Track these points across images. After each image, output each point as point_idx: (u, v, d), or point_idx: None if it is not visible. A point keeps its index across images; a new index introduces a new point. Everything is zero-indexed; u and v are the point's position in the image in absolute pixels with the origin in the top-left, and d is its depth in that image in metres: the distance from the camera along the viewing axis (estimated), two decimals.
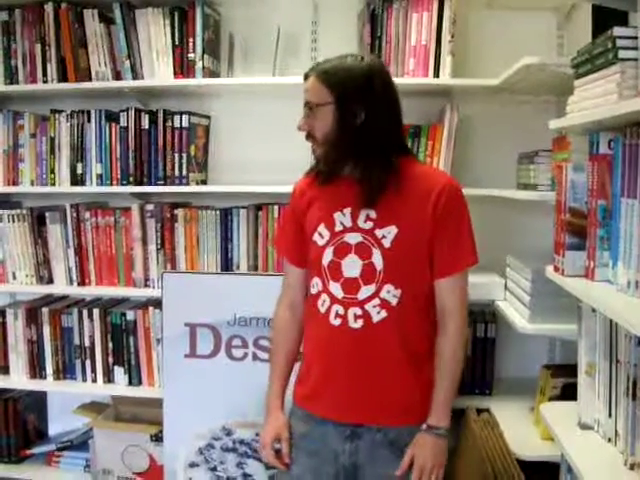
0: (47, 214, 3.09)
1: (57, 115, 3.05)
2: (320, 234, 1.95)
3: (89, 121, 3.02)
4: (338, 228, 1.93)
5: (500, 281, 2.84)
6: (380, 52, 2.85)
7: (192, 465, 2.80)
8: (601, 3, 2.05)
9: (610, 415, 1.84)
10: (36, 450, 3.27)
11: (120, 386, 3.08)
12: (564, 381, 2.45)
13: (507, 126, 3.01)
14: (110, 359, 3.07)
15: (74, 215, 3.05)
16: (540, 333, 2.52)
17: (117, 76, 3.00)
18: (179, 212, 3.00)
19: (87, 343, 3.08)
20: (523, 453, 2.38)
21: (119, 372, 3.07)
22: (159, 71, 2.97)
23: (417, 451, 1.90)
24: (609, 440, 1.84)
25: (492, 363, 2.94)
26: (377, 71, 1.93)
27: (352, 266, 1.90)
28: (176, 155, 2.96)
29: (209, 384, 2.73)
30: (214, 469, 2.79)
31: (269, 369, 2.10)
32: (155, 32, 2.95)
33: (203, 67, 2.94)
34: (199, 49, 2.93)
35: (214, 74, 3.05)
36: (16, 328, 3.13)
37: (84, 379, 3.11)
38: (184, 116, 2.95)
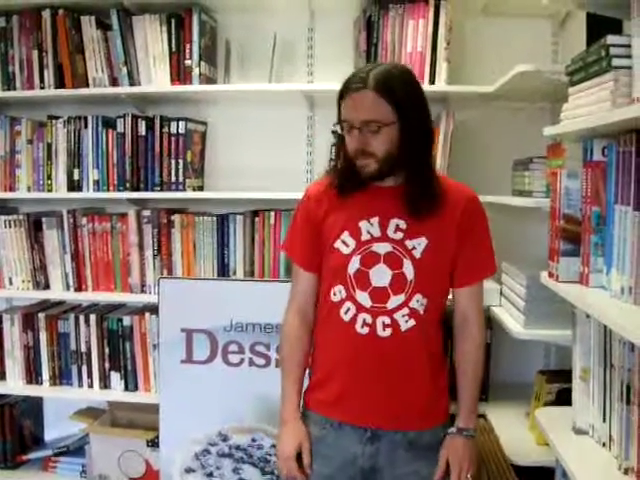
0: (44, 220, 3.09)
1: (54, 121, 3.06)
2: (344, 242, 1.92)
3: (86, 127, 3.03)
4: (365, 237, 1.91)
5: (495, 287, 2.85)
6: (376, 59, 2.86)
7: (188, 470, 2.80)
8: (595, 11, 2.06)
9: (604, 420, 1.84)
10: (32, 456, 3.26)
11: (116, 392, 3.08)
12: (559, 386, 2.45)
13: (502, 133, 3.03)
14: (106, 365, 3.07)
15: (71, 221, 3.06)
16: (535, 339, 2.53)
17: (114, 82, 3.01)
18: (176, 218, 3.00)
19: (83, 349, 3.08)
20: (518, 458, 2.38)
21: (115, 378, 3.07)
22: (156, 77, 2.98)
23: (451, 455, 1.93)
24: (603, 445, 1.85)
25: (488, 368, 2.93)
26: (418, 81, 1.94)
27: (381, 275, 1.90)
28: (173, 161, 2.97)
29: (205, 390, 2.73)
30: (210, 475, 2.79)
31: (282, 377, 2.03)
32: (152, 39, 2.96)
33: (200, 74, 2.95)
34: (196, 56, 2.94)
35: (211, 80, 3.07)
36: (12, 333, 3.13)
37: (80, 385, 3.11)
38: (181, 122, 2.96)
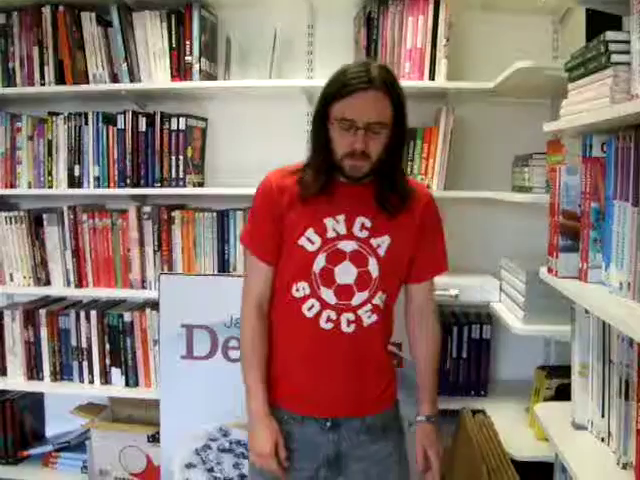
0: (44, 216, 3.09)
1: (54, 117, 3.06)
2: (309, 239, 1.92)
3: (86, 123, 3.03)
4: (330, 235, 1.91)
5: (495, 283, 2.86)
6: (376, 55, 2.86)
7: (189, 466, 2.80)
8: (595, 7, 2.06)
9: (603, 415, 1.85)
10: (33, 451, 3.28)
11: (117, 387, 3.08)
12: (558, 382, 2.47)
13: (502, 129, 3.03)
14: (107, 360, 3.08)
15: (71, 217, 3.06)
16: (534, 334, 2.54)
17: (114, 79, 3.01)
18: (176, 214, 3.01)
19: (84, 344, 3.09)
20: (518, 453, 2.40)
21: (116, 373, 3.07)
22: (156, 74, 2.98)
23: (425, 442, 2.05)
24: (602, 440, 1.86)
25: (487, 364, 2.95)
26: None
27: (346, 273, 1.92)
28: (173, 157, 2.97)
29: (206, 385, 2.74)
30: (211, 470, 2.80)
31: (245, 373, 2.01)
32: (152, 35, 2.96)
33: (200, 70, 2.95)
34: (196, 52, 2.94)
35: (211, 77, 3.07)
36: (13, 329, 3.14)
37: (81, 380, 3.12)
38: (181, 118, 2.97)
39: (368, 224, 1.92)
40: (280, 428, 1.96)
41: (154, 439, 2.96)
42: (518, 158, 2.78)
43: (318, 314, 1.93)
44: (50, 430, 3.46)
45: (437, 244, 2.06)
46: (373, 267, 1.92)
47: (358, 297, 1.92)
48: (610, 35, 1.63)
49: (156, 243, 3.01)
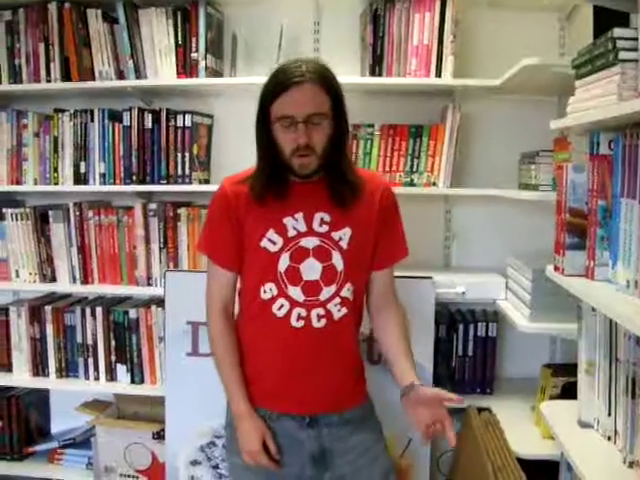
0: (50, 213, 3.09)
1: (60, 114, 3.06)
2: (271, 240, 1.94)
3: (92, 120, 3.03)
4: (291, 233, 1.94)
5: (501, 280, 2.85)
6: (382, 52, 2.86)
7: (194, 463, 2.81)
8: (602, 4, 2.05)
9: (610, 414, 1.85)
10: (39, 448, 3.27)
11: (122, 384, 3.08)
12: (564, 380, 2.46)
13: (509, 126, 3.02)
14: (113, 357, 3.08)
15: (77, 214, 3.06)
16: (541, 332, 2.54)
17: (120, 75, 3.01)
18: (182, 211, 3.00)
19: (90, 341, 3.09)
20: (523, 452, 2.39)
21: (122, 370, 3.07)
22: (162, 70, 2.98)
23: (428, 390, 1.95)
24: (609, 438, 1.86)
25: (493, 362, 2.94)
26: None
27: (311, 269, 1.94)
28: (179, 154, 2.97)
29: (211, 382, 2.71)
30: (216, 467, 2.80)
31: (223, 376, 2.04)
32: (158, 32, 2.96)
33: (206, 67, 2.94)
34: (202, 49, 2.93)
35: (217, 74, 3.06)
36: (19, 326, 3.14)
37: (87, 377, 3.12)
38: (187, 115, 2.96)
39: (327, 219, 1.95)
40: None
41: (159, 436, 2.96)
42: (525, 155, 2.77)
43: (288, 313, 1.95)
44: (55, 427, 3.46)
45: (396, 230, 2.08)
46: (337, 261, 1.95)
47: (326, 292, 1.95)
48: (618, 32, 1.62)
49: (162, 240, 3.00)
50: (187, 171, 2.97)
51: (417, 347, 2.69)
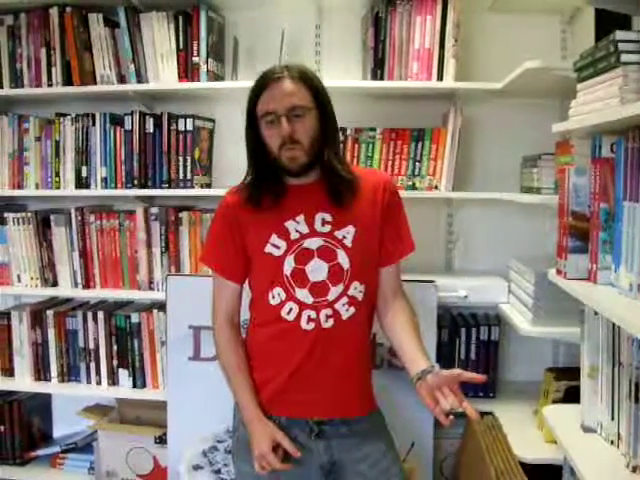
0: (52, 217, 3.10)
1: (62, 118, 3.06)
2: (274, 245, 1.95)
3: (94, 124, 3.02)
4: (294, 236, 1.94)
5: (504, 284, 2.85)
6: (384, 55, 2.85)
7: (196, 467, 2.80)
8: (604, 7, 2.05)
9: (613, 418, 1.84)
10: (41, 452, 3.28)
11: (124, 388, 3.08)
12: (567, 384, 2.45)
13: (511, 129, 3.02)
14: (114, 362, 3.07)
15: (79, 218, 3.06)
16: (543, 336, 2.53)
17: (122, 80, 3.01)
18: (183, 215, 3.00)
19: (92, 346, 3.09)
20: (526, 456, 2.38)
21: (123, 375, 3.07)
22: (163, 75, 2.98)
23: (447, 372, 1.85)
24: (612, 443, 1.85)
25: (496, 366, 2.93)
26: None
27: (318, 270, 1.94)
28: (180, 158, 2.97)
29: (213, 387, 2.71)
30: (218, 472, 2.79)
31: (232, 385, 2.04)
32: (159, 36, 2.96)
33: (207, 71, 2.94)
34: (203, 53, 2.93)
35: (218, 77, 3.06)
36: (21, 331, 3.14)
37: (89, 381, 3.11)
38: (188, 119, 2.96)
39: (329, 218, 1.95)
40: None
41: (161, 440, 2.95)
42: (527, 159, 2.77)
43: (298, 316, 1.95)
44: (57, 431, 3.46)
45: (401, 225, 2.08)
46: (343, 259, 1.95)
47: (333, 291, 1.94)
48: (620, 35, 1.61)
49: (163, 244, 3.00)
50: (189, 175, 2.97)
51: None
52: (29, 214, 3.10)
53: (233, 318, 2.09)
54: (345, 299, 1.95)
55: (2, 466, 3.22)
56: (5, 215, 3.11)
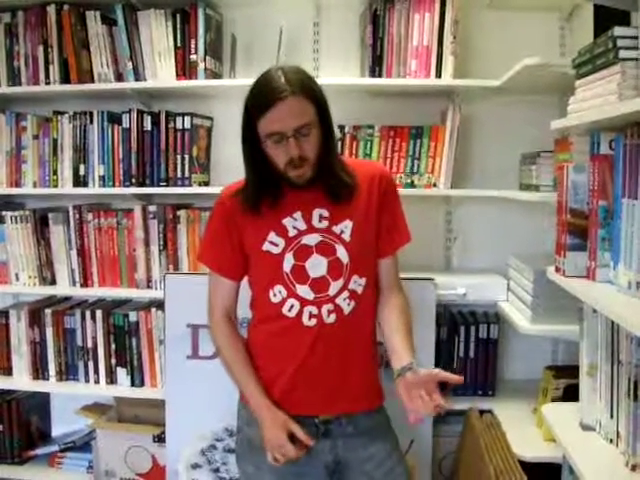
0: (50, 215, 3.09)
1: (59, 117, 3.05)
2: (273, 243, 1.94)
3: (91, 122, 3.02)
4: (292, 233, 1.94)
5: (502, 282, 2.84)
6: (382, 53, 2.85)
7: (194, 466, 2.80)
8: (603, 3, 2.05)
9: (612, 416, 1.84)
10: (39, 451, 3.27)
11: (123, 387, 3.07)
12: (566, 382, 2.44)
13: (509, 127, 3.01)
14: (113, 360, 3.07)
15: (77, 216, 3.05)
16: (542, 334, 2.53)
17: (119, 78, 3.00)
18: (181, 213, 3.00)
19: (90, 344, 3.08)
20: (525, 454, 2.38)
21: (122, 373, 3.06)
22: (161, 73, 2.97)
23: (425, 372, 1.86)
24: (610, 441, 1.84)
25: (495, 364, 2.93)
26: None
27: (317, 266, 1.93)
28: (178, 156, 2.96)
29: (211, 385, 2.72)
30: (216, 470, 2.79)
31: (237, 380, 2.03)
32: (157, 34, 2.95)
33: (205, 68, 2.94)
34: (201, 51, 2.93)
35: (216, 75, 3.06)
36: (19, 329, 3.13)
37: (87, 380, 3.11)
38: (186, 117, 2.95)
39: (326, 214, 1.95)
40: None
41: (160, 439, 2.95)
42: (525, 156, 2.76)
43: (299, 313, 1.94)
44: (56, 430, 3.46)
45: (396, 216, 2.06)
46: (342, 254, 1.94)
47: (334, 286, 1.93)
48: (618, 31, 1.61)
49: (162, 242, 3.00)
50: (187, 173, 2.96)
51: (418, 349, 2.69)
52: (27, 212, 3.09)
53: (230, 315, 2.08)
54: (346, 293, 1.94)
55: (0, 465, 3.21)
56: (3, 213, 3.11)
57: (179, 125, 2.96)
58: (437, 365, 2.72)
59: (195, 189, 2.98)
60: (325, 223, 1.94)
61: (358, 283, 1.97)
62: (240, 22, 3.14)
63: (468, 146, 3.02)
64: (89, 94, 3.09)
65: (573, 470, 1.83)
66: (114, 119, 3.01)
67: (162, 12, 2.94)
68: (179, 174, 2.97)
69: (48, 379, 3.14)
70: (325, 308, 1.93)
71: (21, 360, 3.15)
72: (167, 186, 2.98)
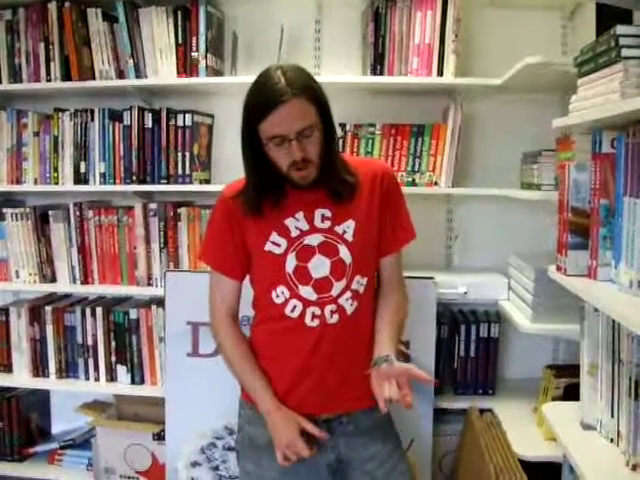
0: (50, 213, 3.09)
1: (60, 114, 3.05)
2: (275, 243, 1.93)
3: (92, 120, 3.02)
4: (294, 233, 1.92)
5: (503, 281, 2.84)
6: (384, 51, 2.84)
7: (194, 464, 2.79)
8: (605, 1, 2.04)
9: (612, 415, 1.83)
10: (39, 449, 3.27)
11: (123, 385, 3.07)
12: (567, 381, 2.44)
13: (511, 125, 3.00)
14: (113, 358, 3.07)
15: (77, 214, 3.05)
16: (543, 333, 2.53)
17: (120, 75, 3.00)
18: (182, 211, 2.99)
19: (90, 342, 3.08)
20: (526, 453, 2.38)
21: (122, 371, 3.06)
22: (162, 70, 2.96)
23: (401, 365, 1.87)
24: (611, 440, 1.84)
25: (495, 363, 2.92)
26: None
27: (320, 266, 1.92)
28: (179, 154, 2.96)
29: (211, 383, 2.72)
30: (216, 468, 2.78)
31: (242, 378, 2.01)
32: (158, 31, 2.94)
33: (206, 66, 2.93)
34: (202, 48, 2.92)
35: (217, 73, 3.05)
36: (19, 326, 3.13)
37: (87, 378, 3.11)
38: (187, 115, 2.95)
39: (328, 214, 1.93)
40: (267, 432, 1.95)
41: (159, 437, 2.95)
42: (527, 155, 2.76)
43: (302, 313, 1.93)
44: (55, 427, 3.46)
45: (400, 213, 2.05)
46: (345, 254, 1.93)
47: (337, 287, 1.92)
48: (620, 29, 1.61)
49: (162, 240, 2.99)
50: (187, 171, 2.96)
51: (419, 347, 2.69)
52: (27, 209, 3.09)
53: (233, 315, 2.06)
54: (349, 293, 1.94)
55: (0, 462, 3.22)
56: (3, 211, 3.11)
57: (180, 122, 2.95)
58: (437, 364, 2.74)
59: (196, 187, 2.98)
60: (327, 223, 1.93)
61: (360, 283, 1.96)
62: (241, 19, 3.14)
63: (469, 144, 3.01)
64: (90, 91, 3.08)
65: (573, 469, 1.83)
66: (115, 116, 3.01)
67: (163, 9, 2.94)
68: (180, 172, 2.96)
69: (48, 376, 3.14)
70: (328, 309, 1.92)
71: (21, 357, 3.14)
72: (168, 184, 2.97)
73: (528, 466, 2.29)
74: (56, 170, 3.06)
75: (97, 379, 3.09)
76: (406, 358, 2.58)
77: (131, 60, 2.96)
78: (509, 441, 2.44)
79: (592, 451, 1.83)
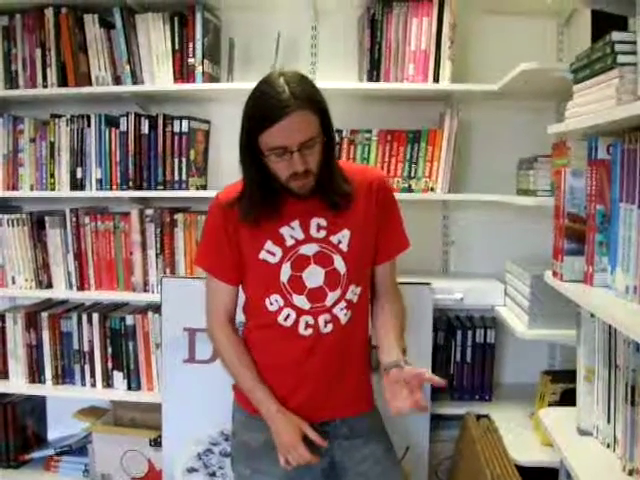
0: (47, 218, 3.08)
1: (57, 120, 3.05)
2: (270, 252, 1.91)
3: (89, 126, 3.01)
4: (290, 242, 1.91)
5: (500, 286, 2.84)
6: (380, 57, 2.85)
7: (191, 470, 2.79)
8: (601, 8, 2.04)
9: (609, 421, 1.83)
10: (35, 455, 3.26)
11: (119, 391, 3.06)
12: (563, 387, 2.45)
13: (507, 131, 3.01)
14: (109, 364, 3.06)
15: (73, 220, 3.05)
16: (539, 339, 2.53)
17: (117, 81, 3.00)
18: (179, 217, 2.99)
19: (86, 348, 3.07)
20: (522, 459, 2.38)
21: (118, 377, 3.06)
22: (159, 76, 2.97)
23: (412, 368, 1.84)
24: (608, 446, 1.84)
25: (492, 369, 2.93)
26: None
27: (315, 276, 1.92)
28: (176, 160, 2.96)
29: (208, 389, 2.71)
30: (213, 474, 2.78)
31: (240, 382, 2.00)
32: (155, 37, 2.95)
33: (203, 72, 2.93)
34: (199, 54, 2.93)
35: (214, 79, 3.05)
36: (15, 333, 3.12)
37: (83, 384, 3.10)
38: (184, 121, 2.95)
39: (324, 223, 1.92)
40: (266, 438, 1.94)
41: (156, 443, 2.94)
42: (523, 161, 2.76)
43: (296, 322, 1.93)
44: (52, 434, 3.44)
45: (395, 222, 2.04)
46: (339, 264, 1.92)
47: (331, 297, 1.92)
48: (616, 36, 1.61)
49: (158, 246, 2.99)
50: (184, 177, 2.96)
51: (415, 353, 2.68)
52: (24, 215, 3.08)
53: (231, 319, 2.05)
54: (343, 303, 1.93)
55: None
56: (0, 216, 3.10)
57: (176, 128, 2.96)
58: (434, 370, 2.73)
59: (192, 193, 2.98)
60: (323, 233, 1.92)
61: (355, 292, 1.96)
62: (238, 26, 3.14)
63: (466, 150, 3.02)
64: (87, 97, 3.08)
65: (570, 475, 1.83)
66: (111, 122, 3.01)
67: (160, 15, 2.94)
68: (176, 177, 2.96)
69: (44, 382, 3.13)
70: (322, 318, 1.92)
71: (17, 363, 3.14)
72: (164, 189, 2.97)
73: (525, 472, 2.29)
74: (52, 176, 3.06)
75: (93, 385, 3.08)
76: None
77: (128, 66, 2.96)
78: (506, 447, 2.44)
79: (589, 457, 1.83)
